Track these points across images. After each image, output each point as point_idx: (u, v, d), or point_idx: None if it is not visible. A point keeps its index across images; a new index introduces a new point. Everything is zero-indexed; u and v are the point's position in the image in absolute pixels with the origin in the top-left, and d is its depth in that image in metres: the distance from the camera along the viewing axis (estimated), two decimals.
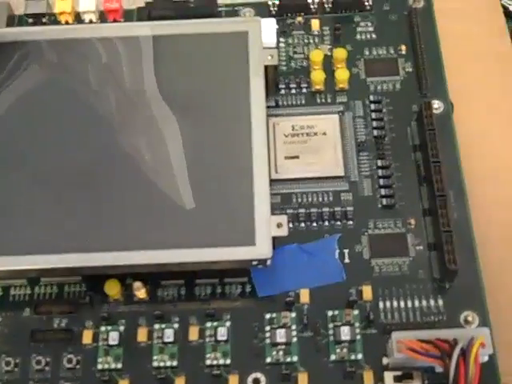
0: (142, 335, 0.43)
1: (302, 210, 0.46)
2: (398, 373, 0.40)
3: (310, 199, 0.46)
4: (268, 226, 0.42)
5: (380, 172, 0.47)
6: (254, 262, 0.42)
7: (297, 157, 0.48)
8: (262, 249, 0.41)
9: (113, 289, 0.44)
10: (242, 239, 0.42)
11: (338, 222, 0.46)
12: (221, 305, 0.43)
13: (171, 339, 0.42)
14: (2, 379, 0.42)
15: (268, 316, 0.43)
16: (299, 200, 0.47)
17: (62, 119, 0.46)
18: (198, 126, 0.46)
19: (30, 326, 0.43)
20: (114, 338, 0.42)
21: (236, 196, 0.43)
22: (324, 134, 0.48)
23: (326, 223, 0.46)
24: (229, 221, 0.42)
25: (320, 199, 0.46)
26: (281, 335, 0.42)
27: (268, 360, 0.42)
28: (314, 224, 0.46)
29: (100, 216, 0.43)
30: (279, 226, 0.42)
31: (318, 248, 0.45)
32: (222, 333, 0.42)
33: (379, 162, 0.47)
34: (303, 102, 0.50)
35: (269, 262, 0.42)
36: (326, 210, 0.46)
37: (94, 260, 0.42)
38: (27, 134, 0.46)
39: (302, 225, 0.46)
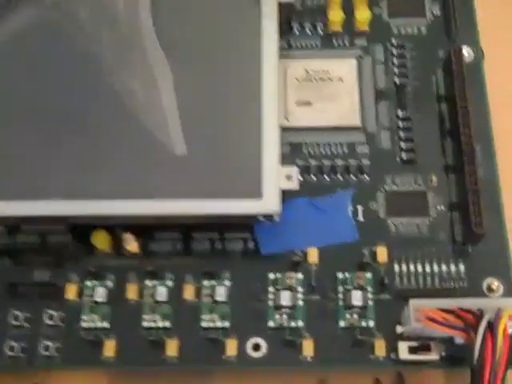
0: (131, 292, 0.39)
1: (313, 162, 0.42)
2: (414, 343, 0.37)
3: (322, 150, 0.43)
4: (277, 178, 0.38)
5: (400, 123, 0.43)
6: (260, 218, 0.38)
7: (309, 103, 0.44)
8: (269, 202, 0.37)
9: (101, 240, 0.40)
10: (247, 191, 0.37)
11: (353, 177, 0.42)
12: (220, 262, 0.40)
13: (164, 298, 0.39)
14: None
15: (272, 276, 0.39)
16: (310, 151, 0.43)
17: (54, 59, 0.42)
18: (203, 69, 0.41)
19: (8, 277, 0.40)
20: (100, 294, 0.39)
21: (242, 143, 0.39)
22: (340, 79, 0.44)
23: (339, 177, 0.42)
24: (233, 170, 0.38)
25: (333, 151, 0.42)
26: (285, 298, 0.39)
27: (270, 324, 0.38)
28: (326, 177, 0.42)
29: (92, 161, 0.39)
30: (289, 178, 0.38)
31: (329, 203, 0.41)
32: (221, 293, 0.39)
33: (400, 113, 0.43)
34: (318, 44, 0.46)
35: (276, 218, 0.38)
36: (339, 162, 0.42)
37: (83, 208, 0.37)
38: (16, 75, 0.42)
39: (313, 178, 0.42)
